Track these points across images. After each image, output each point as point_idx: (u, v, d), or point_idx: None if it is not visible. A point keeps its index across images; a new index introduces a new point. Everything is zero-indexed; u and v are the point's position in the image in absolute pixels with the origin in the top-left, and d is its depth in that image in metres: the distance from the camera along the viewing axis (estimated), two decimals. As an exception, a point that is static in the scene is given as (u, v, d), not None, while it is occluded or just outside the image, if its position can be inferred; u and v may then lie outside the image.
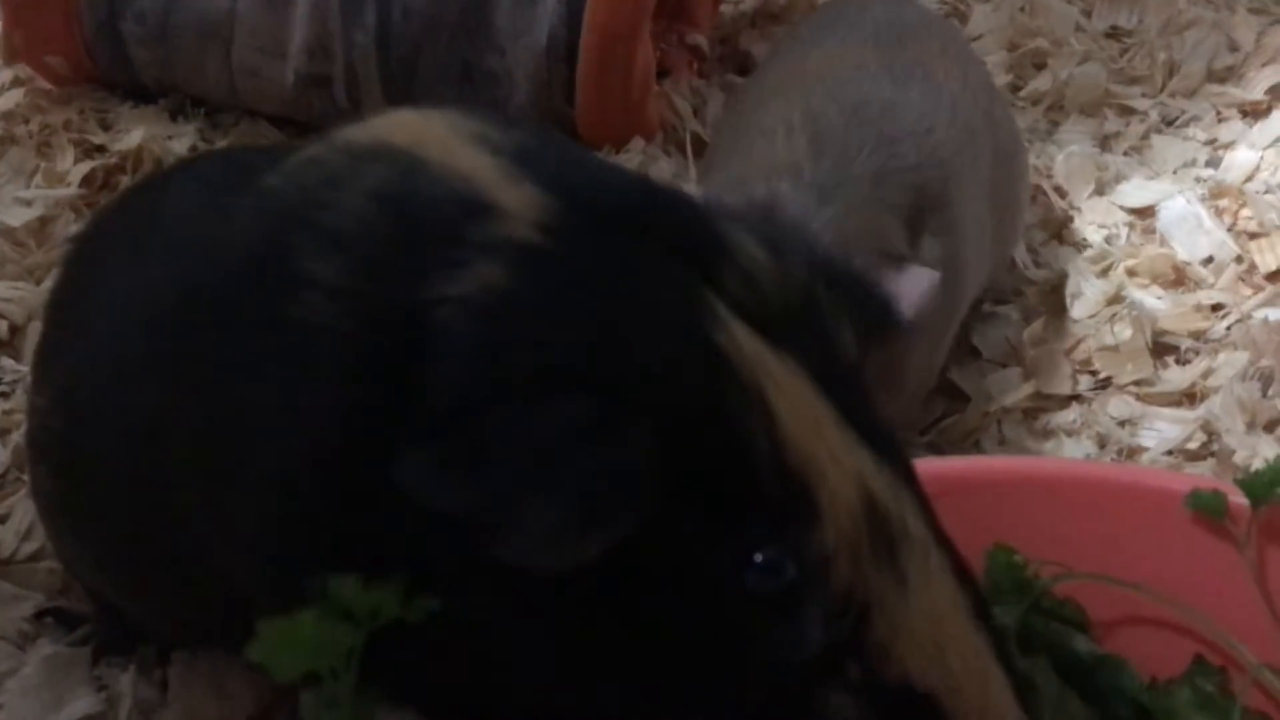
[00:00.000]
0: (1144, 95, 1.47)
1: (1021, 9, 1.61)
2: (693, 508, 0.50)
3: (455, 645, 0.54)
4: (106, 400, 0.69)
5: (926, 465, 0.82)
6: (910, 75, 0.97)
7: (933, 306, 0.91)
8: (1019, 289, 1.20)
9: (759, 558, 0.50)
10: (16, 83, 1.49)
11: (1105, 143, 1.41)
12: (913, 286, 0.89)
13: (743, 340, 0.51)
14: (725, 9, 1.68)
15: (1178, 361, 1.12)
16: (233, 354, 0.58)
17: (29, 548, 0.94)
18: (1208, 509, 0.73)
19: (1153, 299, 1.17)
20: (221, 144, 1.41)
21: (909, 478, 0.56)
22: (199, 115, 1.45)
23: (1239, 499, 0.73)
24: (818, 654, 0.51)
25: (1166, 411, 1.06)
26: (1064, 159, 1.33)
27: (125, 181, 1.31)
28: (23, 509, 0.96)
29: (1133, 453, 1.02)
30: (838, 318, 0.56)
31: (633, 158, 1.35)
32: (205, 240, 0.64)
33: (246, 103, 1.43)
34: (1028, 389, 1.09)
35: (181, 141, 1.38)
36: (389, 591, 0.51)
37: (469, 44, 1.36)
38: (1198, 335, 1.14)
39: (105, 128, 1.42)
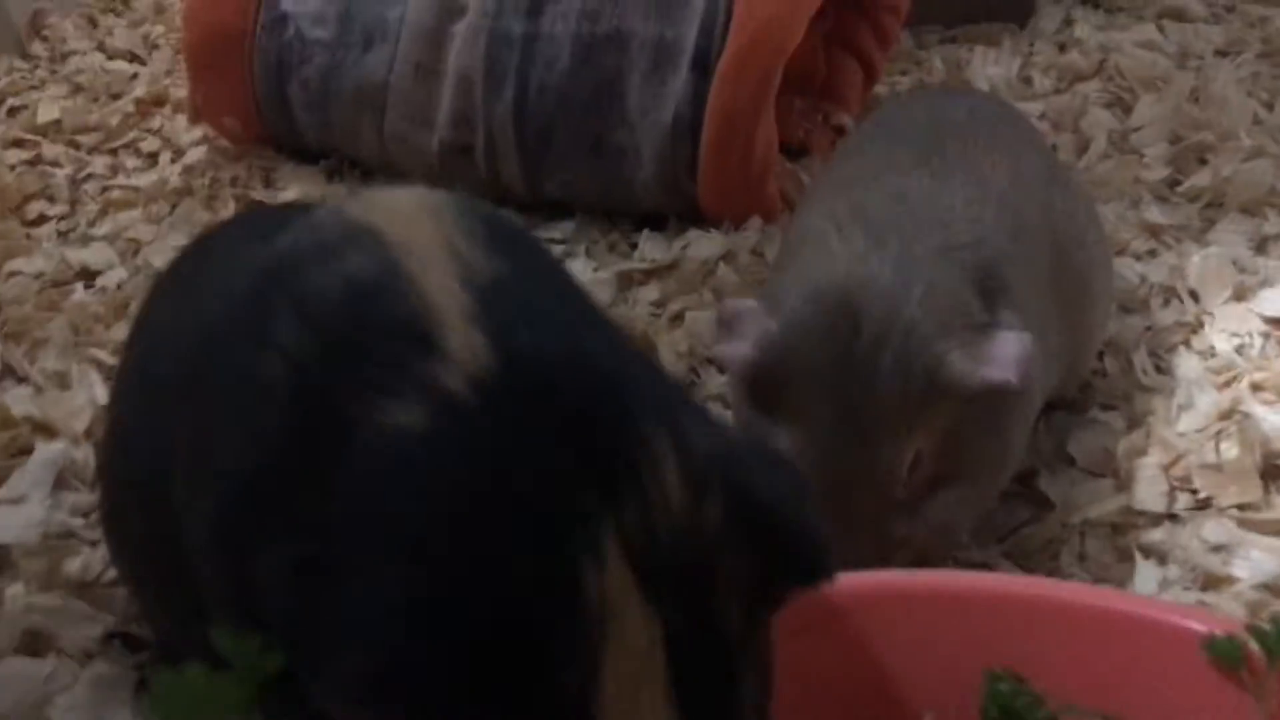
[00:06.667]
0: (1313, 196, 1.37)
1: (1191, 99, 1.53)
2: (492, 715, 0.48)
3: None
4: (141, 420, 0.75)
5: (943, 578, 0.80)
6: (950, 171, 0.94)
7: (1032, 372, 0.85)
8: (1129, 394, 1.14)
9: None
10: (203, 140, 1.63)
11: (1263, 244, 1.32)
12: (1009, 350, 0.85)
13: (612, 587, 0.49)
14: (880, 89, 1.67)
15: (1291, 487, 1.03)
16: (217, 394, 0.62)
17: (113, 573, 0.99)
18: (1225, 657, 0.67)
19: (1274, 416, 1.08)
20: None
21: None
22: (354, 176, 1.55)
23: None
24: None
25: (1266, 540, 0.97)
26: (1199, 260, 1.25)
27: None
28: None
29: (1218, 582, 0.94)
30: (734, 583, 0.52)
31: (749, 237, 1.36)
32: (224, 285, 0.69)
33: (396, 166, 1.51)
34: (1117, 502, 1.03)
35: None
36: (267, 642, 0.51)
37: (600, 120, 1.40)
38: (1319, 461, 1.04)
39: (268, 184, 1.53)
